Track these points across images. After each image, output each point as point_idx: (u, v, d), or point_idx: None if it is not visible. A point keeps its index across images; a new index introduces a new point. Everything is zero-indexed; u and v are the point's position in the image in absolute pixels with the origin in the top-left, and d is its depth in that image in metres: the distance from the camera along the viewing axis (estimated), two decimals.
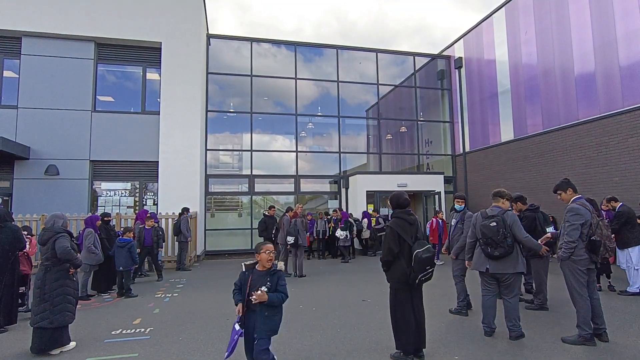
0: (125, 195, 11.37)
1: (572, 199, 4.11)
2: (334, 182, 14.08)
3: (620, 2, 9.08)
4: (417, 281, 3.36)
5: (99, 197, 11.20)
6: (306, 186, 13.80)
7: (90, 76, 11.20)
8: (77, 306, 4.33)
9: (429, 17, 62.78)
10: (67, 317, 3.89)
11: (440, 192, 12.87)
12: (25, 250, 5.33)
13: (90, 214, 8.32)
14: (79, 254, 4.87)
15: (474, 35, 14.26)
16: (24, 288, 5.38)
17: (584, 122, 9.85)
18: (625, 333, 4.21)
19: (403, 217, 3.54)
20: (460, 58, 14.88)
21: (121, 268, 6.65)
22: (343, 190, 13.60)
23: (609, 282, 6.27)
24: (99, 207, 10.98)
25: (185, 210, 9.54)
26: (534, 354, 3.67)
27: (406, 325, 3.44)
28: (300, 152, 13.84)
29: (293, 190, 13.47)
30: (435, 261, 3.51)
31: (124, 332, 4.65)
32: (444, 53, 15.99)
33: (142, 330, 4.70)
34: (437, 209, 12.04)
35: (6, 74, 11.01)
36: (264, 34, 57.09)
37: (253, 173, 13.25)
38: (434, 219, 9.98)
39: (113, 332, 4.62)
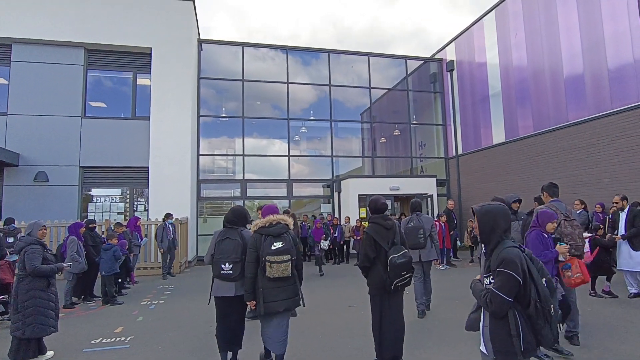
0: (115, 202, 11.30)
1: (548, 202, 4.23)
2: (326, 186, 14.04)
3: (607, 4, 9.11)
4: (392, 287, 3.32)
5: (89, 204, 11.13)
6: (299, 190, 13.76)
7: (80, 82, 11.16)
8: (61, 314, 4.27)
9: (423, 22, 63.19)
10: (40, 329, 3.79)
11: (432, 195, 12.82)
12: (6, 259, 5.29)
13: (77, 221, 8.24)
14: (63, 263, 4.79)
15: (465, 38, 14.30)
16: (6, 296, 5.33)
17: (573, 124, 9.86)
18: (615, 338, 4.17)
19: (379, 222, 3.50)
20: (452, 61, 14.91)
21: (103, 273, 6.57)
22: (335, 195, 13.55)
23: (609, 286, 5.88)
24: (89, 214, 10.90)
25: (167, 216, 9.26)
26: None
27: (376, 332, 3.39)
28: (292, 156, 13.80)
29: (286, 194, 13.42)
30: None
31: (103, 340, 4.59)
32: (436, 56, 16.02)
33: (123, 339, 4.64)
34: (440, 212, 11.57)
35: None
36: (261, 41, 57.30)
37: (245, 178, 13.20)
38: (436, 222, 9.62)
39: (92, 341, 4.56)
